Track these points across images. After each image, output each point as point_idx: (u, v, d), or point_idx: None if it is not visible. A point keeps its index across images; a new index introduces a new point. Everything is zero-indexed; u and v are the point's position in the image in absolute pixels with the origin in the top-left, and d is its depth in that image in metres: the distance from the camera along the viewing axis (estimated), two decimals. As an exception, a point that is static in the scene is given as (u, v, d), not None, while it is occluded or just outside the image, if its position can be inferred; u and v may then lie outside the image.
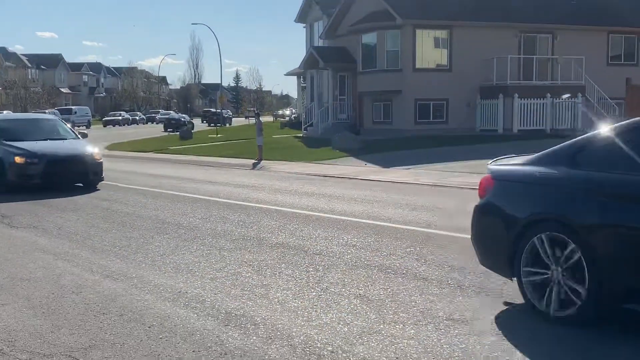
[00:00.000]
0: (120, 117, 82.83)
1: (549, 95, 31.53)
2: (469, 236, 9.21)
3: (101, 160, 16.27)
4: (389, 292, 6.49)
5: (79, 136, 17.74)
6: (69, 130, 17.89)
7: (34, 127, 17.34)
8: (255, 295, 6.44)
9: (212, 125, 64.39)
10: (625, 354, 4.86)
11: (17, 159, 15.16)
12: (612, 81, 31.80)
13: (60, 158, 15.56)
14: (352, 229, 10.04)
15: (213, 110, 69.72)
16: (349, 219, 11.10)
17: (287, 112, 79.27)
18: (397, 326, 5.46)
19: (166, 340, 5.24)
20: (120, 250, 8.75)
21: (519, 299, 5.87)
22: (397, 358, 4.78)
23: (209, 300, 6.30)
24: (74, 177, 15.84)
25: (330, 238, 9.35)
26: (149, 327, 5.55)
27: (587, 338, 5.12)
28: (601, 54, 35.03)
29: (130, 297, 6.46)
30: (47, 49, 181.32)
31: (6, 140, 15.87)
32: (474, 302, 6.10)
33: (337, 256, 8.15)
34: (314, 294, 6.48)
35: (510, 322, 5.57)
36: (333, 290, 6.59)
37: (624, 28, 35.40)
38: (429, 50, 33.38)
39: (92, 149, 16.39)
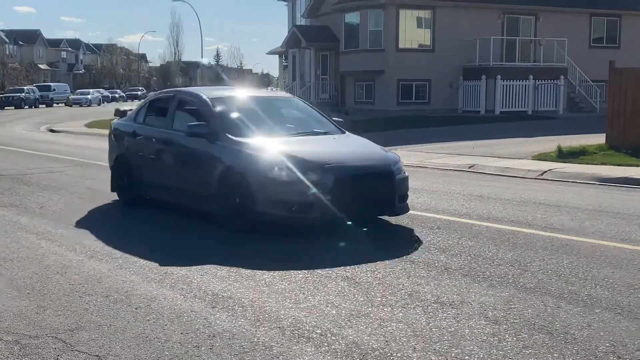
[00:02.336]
0: (101, 95, 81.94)
1: (531, 77, 31.62)
2: (455, 218, 9.27)
3: (407, 175, 9.05)
4: (377, 274, 6.48)
5: (341, 128, 10.20)
6: (325, 117, 10.43)
7: (272, 113, 10.06)
8: (242, 277, 6.40)
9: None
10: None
11: (280, 173, 8.08)
12: (594, 64, 31.95)
13: (357, 172, 8.35)
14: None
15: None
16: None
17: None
18: (386, 309, 5.45)
19: (154, 322, 5.19)
20: (104, 230, 8.65)
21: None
22: (386, 341, 4.77)
23: (195, 281, 6.25)
24: (374, 204, 8.59)
25: (315, 219, 9.29)
26: (136, 309, 5.49)
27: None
28: (583, 36, 35.16)
29: (115, 278, 6.40)
30: (24, 24, 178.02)
31: (237, 137, 8.83)
32: (462, 285, 6.11)
33: (324, 238, 8.11)
34: (301, 276, 6.46)
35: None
36: (320, 272, 6.57)
37: (607, 10, 35.53)
38: (412, 30, 33.29)
39: (390, 154, 9.23)
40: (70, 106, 67.18)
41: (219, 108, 9.41)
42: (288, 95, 11.79)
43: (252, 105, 10.04)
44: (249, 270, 6.61)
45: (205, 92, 9.98)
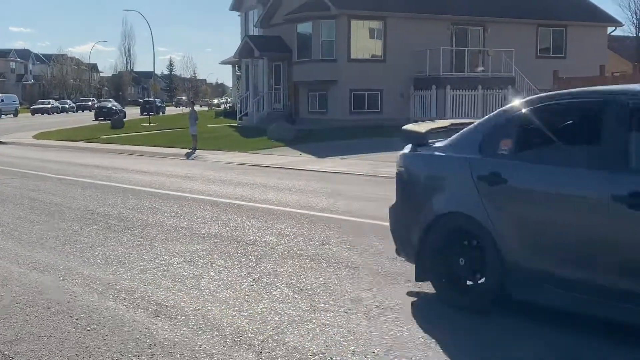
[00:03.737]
0: (49, 105, 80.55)
1: (480, 87, 32.17)
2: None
3: None
4: (321, 281, 6.54)
5: None
6: None
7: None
8: (187, 287, 6.40)
9: (144, 114, 63.41)
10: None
11: None
12: (541, 73, 32.60)
13: None
14: (285, 219, 10.06)
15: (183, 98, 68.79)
16: (283, 208, 11.11)
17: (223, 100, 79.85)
18: (328, 314, 5.52)
19: (94, 332, 5.17)
20: (48, 241, 8.55)
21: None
22: (327, 345, 4.83)
23: (139, 291, 6.23)
24: None
25: (263, 228, 9.34)
26: (77, 320, 5.46)
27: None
28: (530, 46, 35.89)
29: (57, 290, 6.34)
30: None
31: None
32: (404, 290, 6.20)
33: (270, 246, 8.16)
34: (246, 284, 6.48)
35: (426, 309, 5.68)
36: (265, 280, 6.61)
37: (553, 21, 36.35)
38: (363, 40, 33.57)
39: None
40: None
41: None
42: None
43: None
44: (194, 281, 6.60)
45: None
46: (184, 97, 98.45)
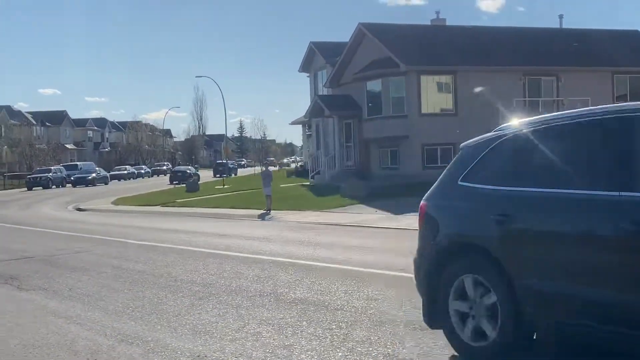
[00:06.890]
0: (125, 172, 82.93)
1: (556, 136, 31.41)
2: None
3: None
4: (420, 350, 6.17)
5: None
6: None
7: None
8: (279, 358, 6.12)
9: (217, 175, 64.44)
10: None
11: None
12: (619, 121, 31.65)
13: None
14: (370, 281, 9.74)
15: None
16: (366, 269, 10.80)
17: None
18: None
19: (189, 411, 4.93)
20: (133, 311, 8.44)
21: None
22: None
23: (230, 364, 5.99)
24: None
25: (350, 292, 9.03)
26: (170, 397, 5.24)
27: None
28: (607, 94, 34.98)
29: (147, 363, 6.16)
30: (50, 106, 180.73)
31: None
32: (511, 359, 5.78)
33: (360, 311, 7.83)
34: (340, 354, 6.16)
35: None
36: (360, 349, 6.27)
37: (629, 68, 35.48)
38: (434, 95, 33.46)
39: None
40: None
41: None
42: None
43: None
44: (286, 351, 6.33)
45: None
46: (243, 161, 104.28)
